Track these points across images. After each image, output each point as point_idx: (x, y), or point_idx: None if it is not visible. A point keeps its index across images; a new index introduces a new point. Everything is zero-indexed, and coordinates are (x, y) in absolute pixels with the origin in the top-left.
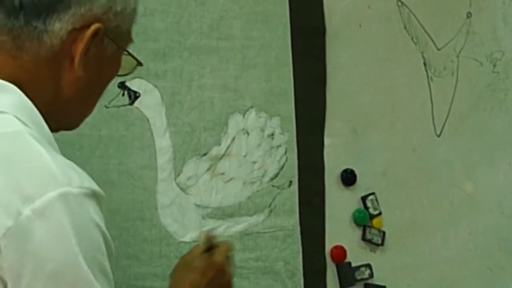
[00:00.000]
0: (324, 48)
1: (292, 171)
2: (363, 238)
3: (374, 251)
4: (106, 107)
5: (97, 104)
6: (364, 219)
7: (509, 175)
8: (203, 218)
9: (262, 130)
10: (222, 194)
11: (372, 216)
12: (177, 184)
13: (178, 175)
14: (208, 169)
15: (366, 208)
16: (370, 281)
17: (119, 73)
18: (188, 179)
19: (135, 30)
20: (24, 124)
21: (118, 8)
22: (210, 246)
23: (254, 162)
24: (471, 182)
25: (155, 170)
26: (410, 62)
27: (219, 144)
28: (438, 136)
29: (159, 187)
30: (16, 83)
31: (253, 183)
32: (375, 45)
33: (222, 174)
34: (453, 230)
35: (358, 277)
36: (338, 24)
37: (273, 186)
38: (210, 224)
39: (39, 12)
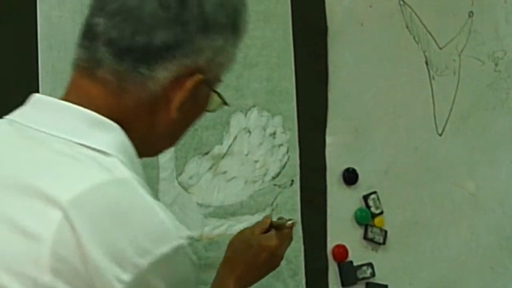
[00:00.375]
0: (325, 47)
1: (294, 170)
2: (365, 237)
3: (376, 250)
4: None
5: None
6: (366, 218)
7: (511, 174)
8: (205, 217)
9: (264, 129)
10: (224, 193)
11: (374, 215)
12: (179, 183)
13: (180, 174)
14: (210, 168)
15: (368, 207)
16: (371, 280)
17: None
18: (190, 178)
19: None
20: (127, 166)
21: (221, 60)
22: (270, 226)
23: (256, 161)
24: (473, 181)
25: (157, 169)
26: (412, 61)
27: (221, 143)
28: (440, 135)
29: (161, 186)
30: (116, 121)
31: (255, 182)
32: (377, 44)
33: (224, 173)
34: (455, 229)
35: (360, 276)
36: (339, 23)
37: (274, 185)
38: (212, 223)
39: (146, 58)
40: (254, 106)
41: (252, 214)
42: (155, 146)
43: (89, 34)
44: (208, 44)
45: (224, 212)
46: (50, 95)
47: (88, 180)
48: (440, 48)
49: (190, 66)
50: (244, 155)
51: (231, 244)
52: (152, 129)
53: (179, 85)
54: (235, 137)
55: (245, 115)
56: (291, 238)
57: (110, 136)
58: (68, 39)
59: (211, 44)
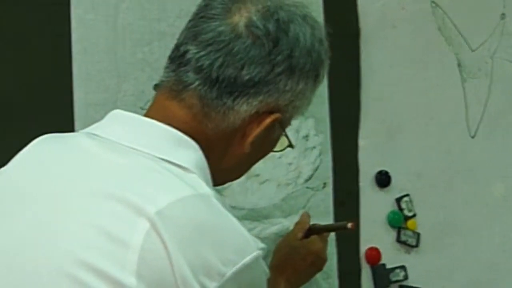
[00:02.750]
0: (358, 49)
1: (327, 173)
2: (398, 240)
3: (409, 253)
4: (142, 108)
5: (133, 105)
6: (399, 221)
7: None
8: (238, 219)
9: (297, 132)
10: (257, 196)
11: (406, 218)
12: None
13: None
14: None
15: (401, 209)
16: (405, 283)
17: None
18: None
19: (171, 32)
20: (206, 183)
21: (298, 103)
22: (308, 230)
23: (289, 164)
24: (505, 184)
25: None
26: (444, 64)
27: None
28: (472, 137)
29: None
30: (196, 141)
31: (288, 184)
32: (409, 47)
33: (257, 176)
34: (488, 231)
35: (393, 279)
36: (372, 26)
37: (307, 187)
38: (245, 225)
39: (232, 90)
40: None
41: (285, 217)
42: (222, 175)
43: (180, 60)
44: (291, 87)
45: (257, 215)
46: (84, 99)
47: (174, 193)
48: (472, 50)
49: (271, 105)
50: (277, 158)
51: (277, 251)
52: (223, 159)
53: (258, 121)
54: None
55: None
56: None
57: (191, 154)
58: (102, 43)
59: (293, 87)
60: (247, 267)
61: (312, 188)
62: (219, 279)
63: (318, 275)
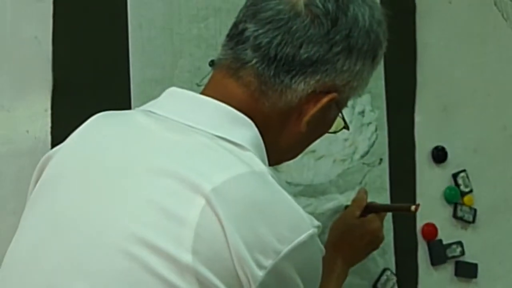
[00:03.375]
0: (414, 25)
1: (383, 149)
2: (454, 216)
3: (466, 229)
4: (198, 85)
5: (189, 82)
6: (455, 197)
7: None
8: (294, 195)
9: (353, 107)
10: (313, 172)
11: (463, 194)
12: None
13: None
14: None
15: (457, 185)
16: (461, 259)
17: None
18: None
19: (226, 8)
20: (262, 161)
21: (355, 84)
22: (366, 208)
23: (345, 140)
24: None
25: None
26: (501, 39)
27: None
28: None
29: None
30: (252, 119)
31: (343, 160)
32: (465, 22)
33: (313, 152)
34: None
35: (450, 255)
36: (428, 1)
37: (363, 163)
38: (301, 202)
39: (290, 69)
40: None
41: (341, 193)
42: (277, 155)
43: (238, 37)
44: (348, 67)
45: (313, 191)
46: (140, 75)
47: (229, 171)
48: None
49: (328, 84)
50: (333, 134)
51: (334, 228)
52: (279, 138)
53: (314, 100)
54: None
55: None
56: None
57: (247, 132)
58: (158, 19)
59: (351, 67)
60: (303, 244)
61: (368, 164)
62: (274, 256)
63: (375, 251)
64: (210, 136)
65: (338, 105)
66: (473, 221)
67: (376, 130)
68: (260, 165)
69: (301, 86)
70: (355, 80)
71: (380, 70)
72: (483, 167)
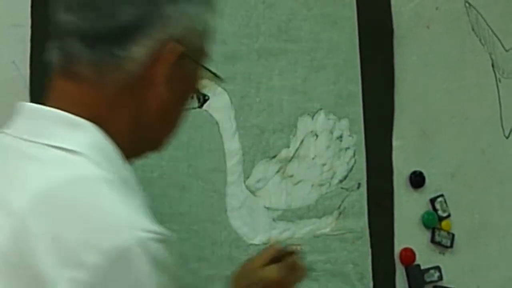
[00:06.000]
0: (392, 49)
1: (361, 173)
2: (432, 241)
3: (443, 254)
4: None
5: None
6: (433, 221)
7: None
8: (273, 220)
9: (331, 132)
10: (291, 197)
11: (441, 218)
12: (247, 187)
13: (248, 177)
14: (278, 172)
15: (435, 210)
16: (439, 284)
17: (201, 88)
18: (258, 181)
19: None
20: (98, 164)
21: (197, 29)
22: (275, 257)
23: (323, 164)
24: None
25: (225, 173)
26: (478, 64)
27: (288, 147)
28: (507, 137)
29: (229, 190)
30: (97, 115)
31: (322, 185)
32: (443, 47)
33: (291, 177)
34: None
35: (428, 280)
36: (406, 26)
37: (342, 188)
38: (280, 226)
39: (118, 39)
40: (321, 109)
41: (320, 217)
42: (153, 136)
43: (59, 33)
44: (178, 13)
45: (291, 216)
46: None
47: (43, 181)
48: (506, 50)
49: (166, 39)
50: (311, 159)
51: (234, 279)
52: (143, 115)
53: (160, 60)
54: (302, 141)
55: (312, 118)
56: (301, 269)
57: (79, 134)
58: None
59: (181, 13)
60: (121, 251)
61: (346, 189)
62: (89, 268)
63: (353, 276)
64: (42, 147)
65: (193, 58)
66: (451, 246)
67: (354, 155)
68: (87, 169)
69: (137, 52)
70: (194, 25)
71: (358, 95)
72: (461, 191)
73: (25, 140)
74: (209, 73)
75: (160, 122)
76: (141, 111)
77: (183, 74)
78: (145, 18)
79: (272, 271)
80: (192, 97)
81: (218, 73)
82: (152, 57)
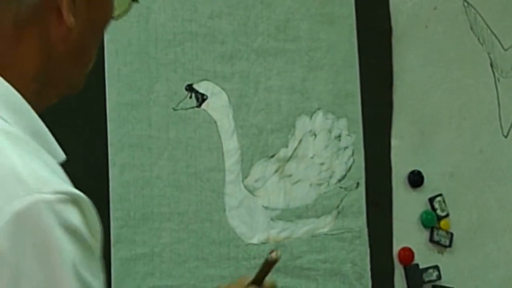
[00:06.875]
0: (390, 49)
1: (359, 173)
2: (431, 240)
3: (442, 253)
4: (174, 109)
5: (165, 106)
6: (432, 221)
7: None
8: (271, 219)
9: (329, 132)
10: (289, 196)
11: (439, 218)
12: (245, 186)
13: (246, 177)
14: (276, 171)
15: (434, 209)
16: (438, 283)
17: (114, 13)
18: (256, 181)
19: (203, 33)
20: (1, 118)
21: None
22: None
23: (322, 164)
24: None
25: (223, 172)
26: (477, 63)
27: (287, 146)
28: (505, 137)
29: (227, 189)
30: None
31: (320, 184)
32: (441, 46)
33: (290, 176)
34: None
35: (426, 279)
36: (404, 25)
37: (340, 187)
38: (278, 225)
39: None
40: (319, 108)
41: (318, 217)
42: (66, 71)
43: None
44: None
45: (290, 215)
46: (116, 100)
47: None
48: (505, 50)
49: None
50: (310, 158)
51: None
52: (50, 49)
53: None
54: (301, 140)
55: (310, 117)
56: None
57: None
58: (134, 43)
59: None
60: (29, 216)
61: (345, 188)
62: None
63: (351, 276)
64: None
65: None
66: (450, 245)
67: (352, 154)
68: None
69: None
70: None
71: (356, 94)
72: (460, 191)
73: None
74: None
75: (72, 54)
76: (48, 45)
77: (91, 1)
78: None
79: None
80: (106, 26)
81: None
82: None
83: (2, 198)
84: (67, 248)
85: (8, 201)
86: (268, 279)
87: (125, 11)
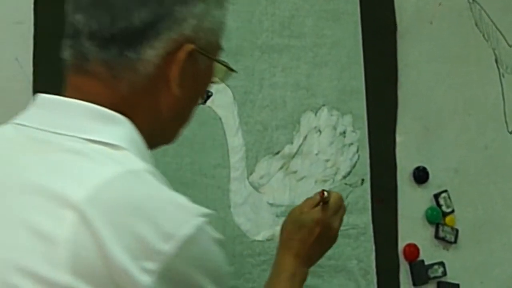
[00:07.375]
0: (395, 45)
1: (364, 169)
2: (436, 236)
3: (447, 249)
4: None
5: None
6: (437, 217)
7: None
8: (276, 216)
9: (334, 128)
10: (294, 193)
11: (445, 214)
12: (250, 183)
13: (251, 173)
14: (281, 168)
15: (439, 205)
16: (443, 279)
17: (215, 83)
18: (261, 177)
19: None
20: (139, 158)
21: (208, 26)
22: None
23: (327, 160)
24: None
25: (228, 169)
26: (482, 59)
27: (292, 143)
28: (511, 133)
29: (232, 186)
30: (120, 111)
31: (325, 181)
32: (446, 42)
33: (295, 173)
34: None
35: (431, 275)
36: (409, 21)
37: (345, 184)
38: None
39: (130, 42)
40: (324, 105)
41: None
42: (168, 129)
43: (71, 33)
44: (189, 12)
45: None
46: None
47: (99, 176)
48: (510, 46)
49: (178, 39)
50: (315, 155)
51: (284, 227)
52: (158, 112)
53: (173, 60)
54: (305, 137)
55: (315, 114)
56: (343, 209)
57: (117, 128)
58: None
59: (192, 12)
60: (191, 238)
61: (350, 185)
62: (161, 258)
63: (356, 272)
64: (79, 140)
65: (205, 53)
66: (455, 242)
67: (357, 150)
68: (135, 163)
69: (150, 54)
70: (205, 22)
71: (361, 90)
72: (465, 187)
73: (54, 133)
74: (222, 67)
75: (175, 118)
76: (156, 109)
77: (196, 71)
78: (156, 20)
79: (317, 212)
80: (206, 92)
81: (231, 66)
82: (164, 57)
83: (172, 223)
84: (222, 256)
85: (179, 226)
86: None
87: (222, 80)
